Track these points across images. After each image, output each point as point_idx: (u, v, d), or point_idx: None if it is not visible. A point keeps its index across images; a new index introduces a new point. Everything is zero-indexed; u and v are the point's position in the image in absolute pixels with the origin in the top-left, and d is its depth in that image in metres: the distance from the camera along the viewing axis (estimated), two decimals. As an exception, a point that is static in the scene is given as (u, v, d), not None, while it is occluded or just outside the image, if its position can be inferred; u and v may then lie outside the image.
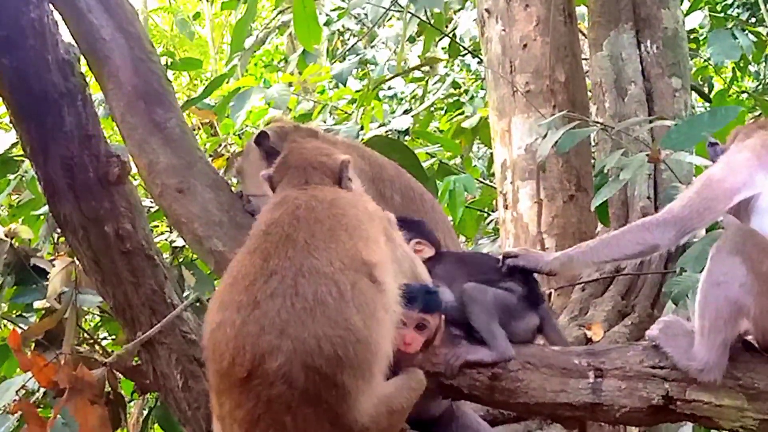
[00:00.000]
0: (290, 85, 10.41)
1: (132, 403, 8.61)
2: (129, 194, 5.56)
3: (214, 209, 4.88)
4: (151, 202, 7.38)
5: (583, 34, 8.66)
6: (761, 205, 4.30)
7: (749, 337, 4.35)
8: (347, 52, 14.45)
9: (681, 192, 4.63)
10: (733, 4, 13.70)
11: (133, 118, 5.09)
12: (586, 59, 8.30)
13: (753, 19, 13.30)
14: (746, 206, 4.34)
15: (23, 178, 7.61)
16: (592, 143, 7.91)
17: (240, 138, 9.70)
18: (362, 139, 7.88)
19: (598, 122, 6.57)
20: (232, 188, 5.42)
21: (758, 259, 4.12)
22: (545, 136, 6.12)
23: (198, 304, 5.78)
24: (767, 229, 4.23)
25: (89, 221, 5.32)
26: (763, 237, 4.21)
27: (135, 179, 6.10)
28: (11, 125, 5.66)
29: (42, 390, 6.17)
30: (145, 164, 5.03)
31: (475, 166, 11.75)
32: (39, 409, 6.81)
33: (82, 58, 5.43)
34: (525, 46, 7.80)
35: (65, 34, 5.43)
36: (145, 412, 8.25)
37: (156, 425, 7.53)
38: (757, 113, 7.38)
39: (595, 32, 7.14)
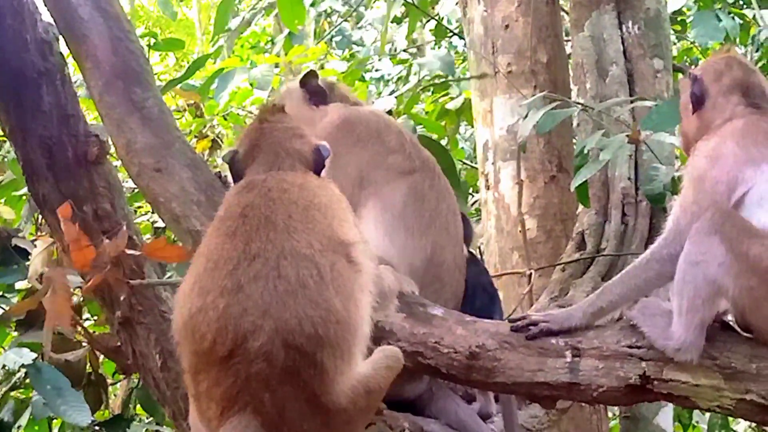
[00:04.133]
0: (276, 66, 10.37)
1: (117, 385, 8.58)
2: (108, 174, 5.56)
3: (191, 188, 4.86)
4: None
5: (566, 12, 8.64)
6: (750, 200, 4.28)
7: (727, 317, 4.35)
8: (334, 34, 14.40)
9: (675, 199, 4.60)
10: (719, -14, 13.69)
11: (111, 98, 5.06)
12: (568, 40, 8.29)
13: (741, 2, 13.28)
14: (735, 200, 4.33)
15: (5, 159, 7.58)
16: (574, 124, 7.89)
17: (225, 119, 9.66)
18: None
19: (579, 103, 6.55)
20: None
21: (737, 239, 4.11)
22: (526, 116, 6.10)
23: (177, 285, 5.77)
24: (755, 223, 4.21)
25: (68, 201, 5.31)
26: (742, 218, 4.21)
27: (116, 160, 6.08)
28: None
29: (23, 371, 6.14)
30: (123, 144, 5.01)
31: (461, 148, 11.73)
32: (20, 390, 6.83)
33: (60, 37, 5.41)
34: (507, 26, 7.79)
35: (44, 14, 5.41)
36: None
37: (138, 406, 7.53)
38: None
39: (577, 13, 7.10)
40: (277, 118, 4.40)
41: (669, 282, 4.36)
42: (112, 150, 5.35)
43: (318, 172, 4.28)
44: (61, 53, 5.46)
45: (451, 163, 6.59)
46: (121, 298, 5.33)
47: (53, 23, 5.33)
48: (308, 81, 5.43)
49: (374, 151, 5.11)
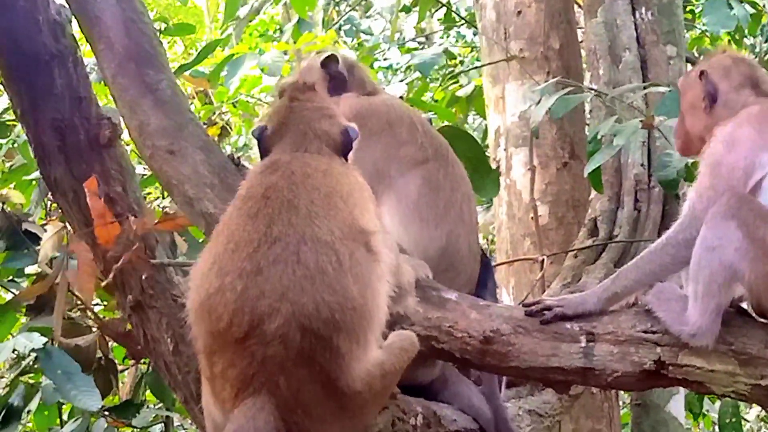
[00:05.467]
0: (285, 53, 10.35)
1: (125, 373, 8.59)
2: (120, 157, 5.53)
3: (205, 171, 4.84)
4: (144, 168, 7.35)
5: (578, 5, 8.63)
6: (767, 185, 4.26)
7: (743, 303, 4.33)
8: (342, 23, 14.40)
9: (689, 185, 4.56)
10: (730, -27, 13.62)
11: (123, 79, 5.05)
12: (581, 28, 8.27)
13: (752, -9, 13.25)
14: (752, 185, 4.30)
15: (15, 143, 7.58)
16: (586, 110, 7.87)
17: (234, 106, 9.65)
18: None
19: (592, 89, 6.54)
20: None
21: (754, 224, 4.09)
22: (539, 102, 6.08)
23: (188, 268, 5.76)
24: None
25: (80, 184, 5.29)
26: (759, 203, 4.19)
27: (128, 145, 6.07)
28: (2, 88, 5.63)
29: (33, 355, 6.15)
30: (136, 126, 5.00)
31: (468, 137, 11.70)
32: (30, 375, 6.83)
33: (73, 19, 5.40)
34: (519, 12, 7.81)
35: (57, -5, 5.40)
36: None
37: (148, 391, 7.52)
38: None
39: (590, -1, 7.10)
40: (307, 97, 4.35)
41: (684, 267, 4.32)
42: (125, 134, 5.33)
43: (345, 155, 4.25)
44: (73, 35, 5.44)
45: (480, 151, 6.54)
46: (138, 278, 5.31)
47: (66, 4, 5.31)
48: (329, 64, 5.40)
49: (386, 143, 5.11)
